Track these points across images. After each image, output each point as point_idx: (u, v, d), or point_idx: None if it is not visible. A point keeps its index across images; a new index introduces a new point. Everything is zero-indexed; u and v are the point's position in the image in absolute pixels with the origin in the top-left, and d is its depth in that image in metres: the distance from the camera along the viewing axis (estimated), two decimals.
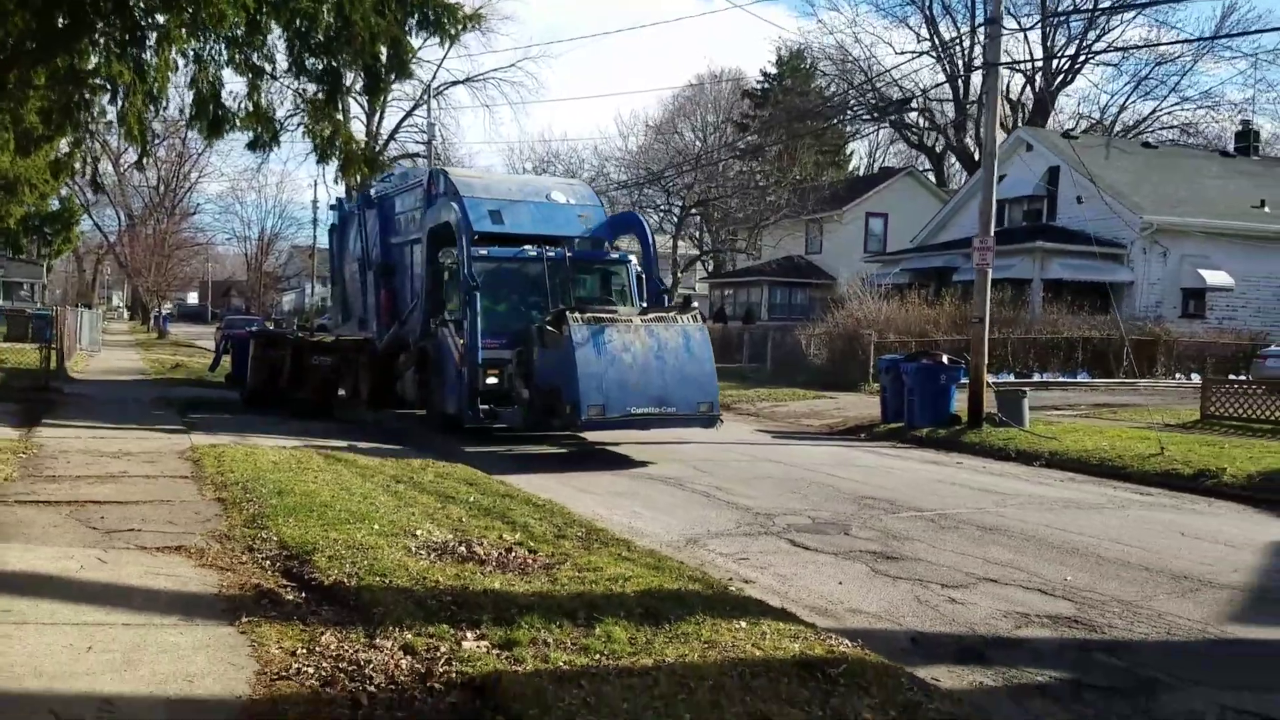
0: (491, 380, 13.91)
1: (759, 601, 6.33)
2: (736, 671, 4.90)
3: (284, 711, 4.41)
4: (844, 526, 9.29)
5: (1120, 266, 30.77)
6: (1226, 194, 32.93)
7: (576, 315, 12.42)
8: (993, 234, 16.49)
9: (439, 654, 5.11)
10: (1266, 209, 32.59)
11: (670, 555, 7.59)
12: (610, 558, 7.15)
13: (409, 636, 5.35)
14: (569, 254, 15.15)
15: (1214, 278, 30.45)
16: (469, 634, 5.41)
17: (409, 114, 59.84)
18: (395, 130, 61.55)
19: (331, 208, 22.65)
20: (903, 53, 59.35)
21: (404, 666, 4.99)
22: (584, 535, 7.95)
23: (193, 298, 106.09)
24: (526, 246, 15.10)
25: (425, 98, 54.74)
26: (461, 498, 9.26)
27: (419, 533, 7.60)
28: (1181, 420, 17.86)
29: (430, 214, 15.89)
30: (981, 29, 26.01)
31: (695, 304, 14.13)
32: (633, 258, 16.01)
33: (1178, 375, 27.73)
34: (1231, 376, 25.31)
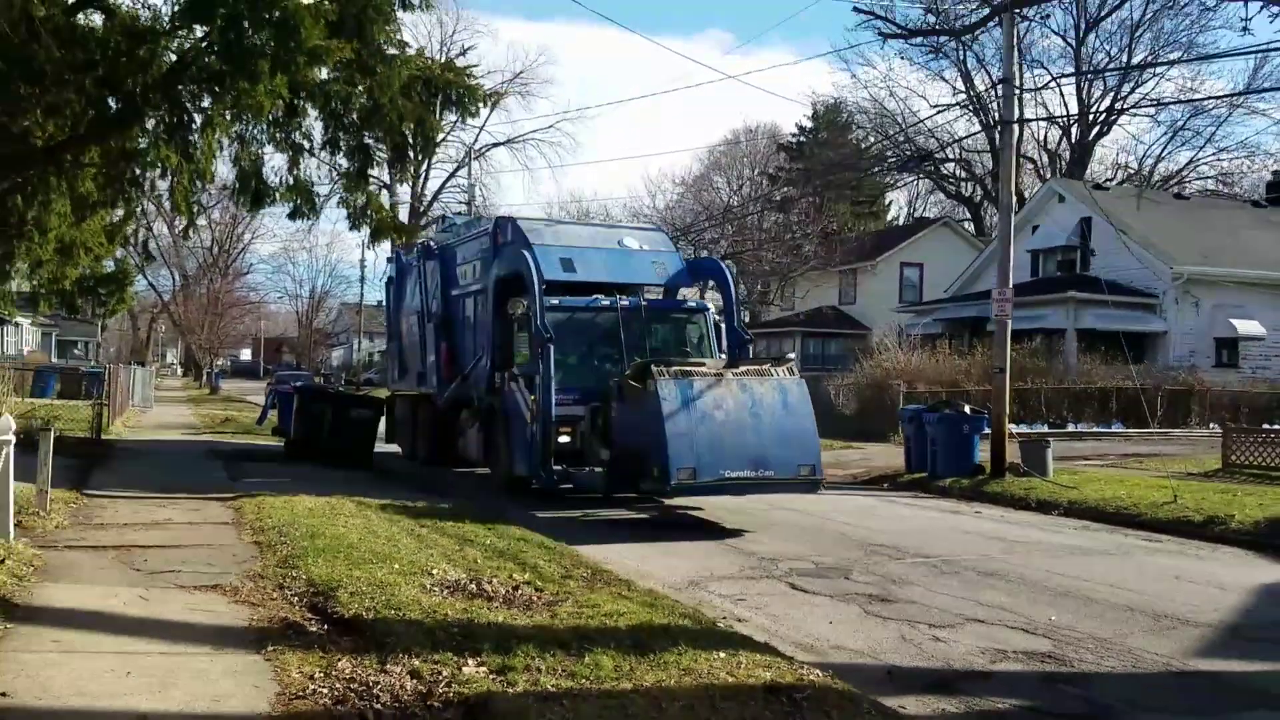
0: (564, 439, 13.10)
1: (744, 637, 6.76)
2: (708, 695, 5.35)
3: None
4: (846, 571, 9.67)
5: (1153, 316, 30.83)
6: (1258, 244, 32.93)
7: (662, 369, 11.58)
8: (1010, 286, 16.87)
9: (441, 677, 5.61)
10: None
11: (668, 595, 8.03)
12: (610, 596, 7.63)
13: (416, 663, 5.85)
14: (644, 303, 14.51)
15: (1246, 327, 30.39)
16: (470, 661, 5.90)
17: (452, 175, 61.48)
18: (439, 190, 63.21)
19: (388, 260, 22.08)
20: (936, 106, 59.92)
21: (408, 688, 5.50)
22: (589, 576, 8.43)
23: (245, 354, 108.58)
24: (597, 296, 14.42)
25: (467, 159, 56.39)
26: (479, 541, 9.79)
27: (435, 572, 8.13)
28: (1204, 469, 17.95)
29: (498, 263, 15.11)
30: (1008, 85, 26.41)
31: (792, 355, 13.32)
32: (710, 306, 15.42)
33: (1212, 425, 27.59)
34: (1265, 426, 25.25)
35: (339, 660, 5.99)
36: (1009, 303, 16.66)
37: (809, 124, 62.76)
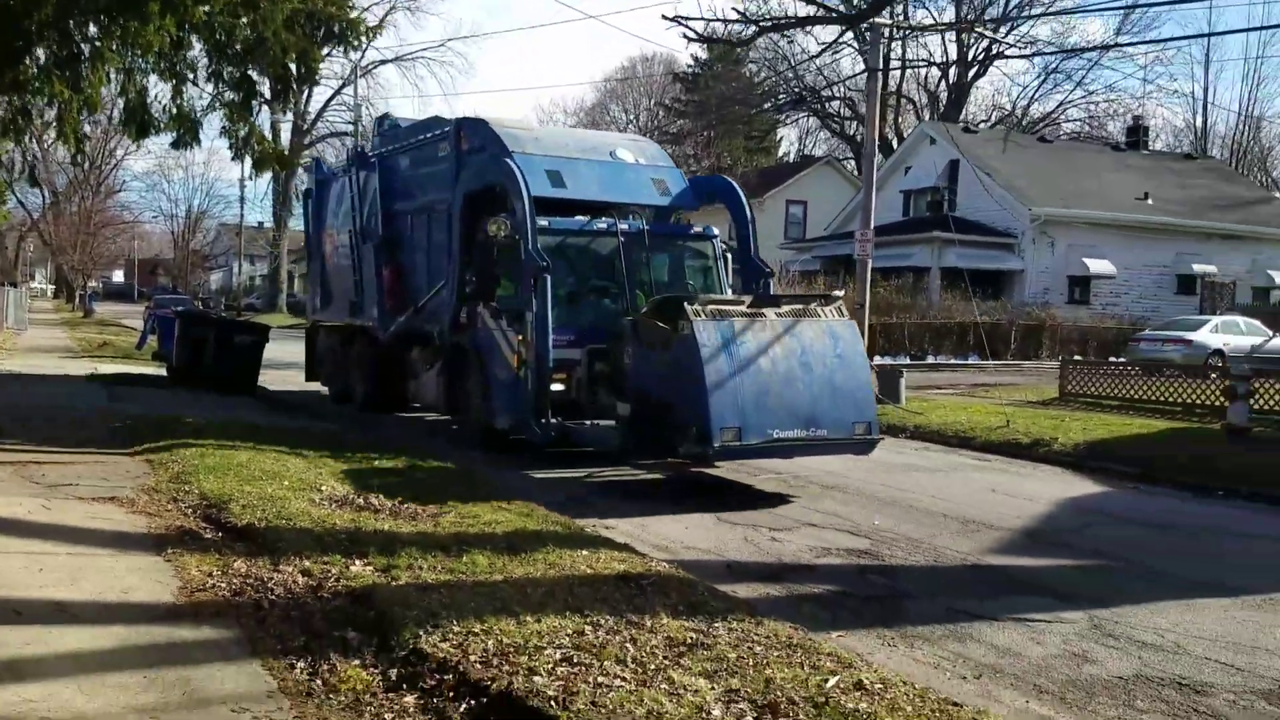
0: (557, 387, 11.21)
1: (607, 539, 7.62)
2: (568, 583, 6.18)
3: (201, 611, 5.61)
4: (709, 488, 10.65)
5: (1012, 255, 32.76)
6: (1114, 187, 35.09)
7: (696, 307, 9.83)
8: (872, 227, 18.02)
9: (330, 574, 6.31)
10: (1150, 201, 34.82)
11: (543, 508, 8.83)
12: (490, 508, 8.37)
13: (307, 564, 6.53)
14: (647, 227, 12.55)
15: (1097, 266, 32.57)
16: (357, 561, 6.60)
17: (337, 92, 60.25)
18: (323, 109, 61.91)
19: (305, 169, 19.75)
20: (824, 44, 60.92)
21: (300, 583, 6.19)
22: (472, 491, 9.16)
23: (118, 276, 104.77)
24: (588, 217, 12.46)
25: (353, 77, 55.18)
26: (369, 463, 10.42)
27: (324, 488, 8.76)
28: (1043, 398, 19.60)
29: (465, 174, 12.91)
30: (898, 26, 27.54)
31: (840, 292, 11.57)
32: (717, 232, 13.61)
33: (1061, 357, 29.73)
34: (1112, 359, 27.39)
35: (235, 561, 6.63)
36: (870, 243, 17.81)
37: (704, 55, 63.17)
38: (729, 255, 13.27)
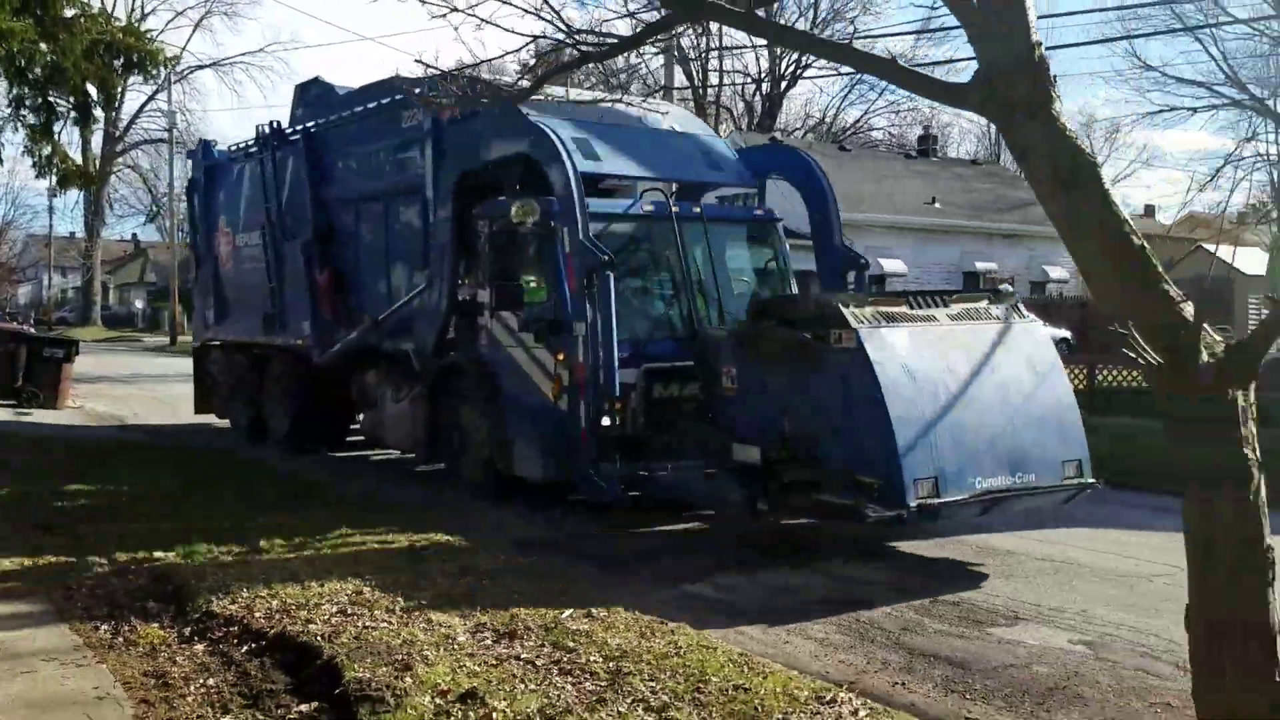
0: (605, 420, 8.58)
1: (412, 524, 8.35)
2: (355, 559, 7.03)
3: (12, 594, 6.22)
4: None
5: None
6: (906, 192, 37.91)
7: (854, 309, 7.32)
8: None
9: (136, 561, 7.00)
10: (938, 205, 37.81)
11: (356, 503, 9.50)
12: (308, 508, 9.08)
13: (116, 556, 7.17)
14: (701, 210, 9.96)
15: (891, 265, 35.19)
16: (162, 553, 7.28)
17: (151, 98, 58.17)
18: (137, 114, 59.66)
19: (188, 154, 15.74)
20: (653, 52, 62.87)
21: (107, 568, 6.86)
22: (296, 494, 9.69)
23: None
24: (605, 200, 9.78)
25: (167, 82, 53.54)
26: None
27: (142, 495, 9.32)
28: None
29: (457, 149, 10.28)
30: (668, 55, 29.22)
31: (1012, 287, 9.45)
32: (777, 214, 11.17)
33: None
34: None
35: (46, 555, 7.20)
36: None
37: (532, 62, 63.90)
38: (785, 246, 10.97)
